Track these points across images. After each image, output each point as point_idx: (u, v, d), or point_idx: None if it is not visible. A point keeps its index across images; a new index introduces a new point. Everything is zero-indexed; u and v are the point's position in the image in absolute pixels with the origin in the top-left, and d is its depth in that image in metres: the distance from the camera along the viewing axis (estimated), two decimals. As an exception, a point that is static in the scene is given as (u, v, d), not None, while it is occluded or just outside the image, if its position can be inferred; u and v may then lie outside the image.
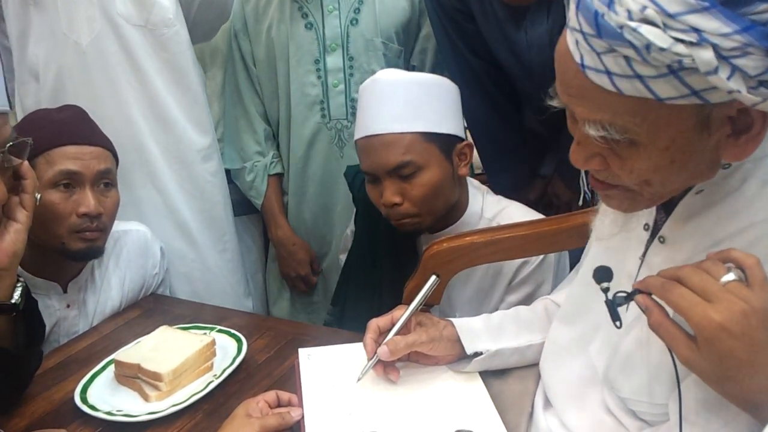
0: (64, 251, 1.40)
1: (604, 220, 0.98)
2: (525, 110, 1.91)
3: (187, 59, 1.74)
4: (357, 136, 1.44)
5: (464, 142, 1.46)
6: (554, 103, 0.79)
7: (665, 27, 0.64)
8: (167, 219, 1.78)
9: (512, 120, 1.90)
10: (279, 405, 1.08)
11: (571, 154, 0.80)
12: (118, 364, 1.24)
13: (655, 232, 0.88)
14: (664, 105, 0.68)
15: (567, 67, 0.74)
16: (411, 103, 1.38)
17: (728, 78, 0.64)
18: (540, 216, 1.44)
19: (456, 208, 1.48)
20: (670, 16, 0.63)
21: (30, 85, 1.71)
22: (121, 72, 1.67)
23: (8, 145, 1.01)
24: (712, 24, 0.62)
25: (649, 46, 0.64)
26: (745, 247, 0.72)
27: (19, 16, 1.67)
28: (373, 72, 1.85)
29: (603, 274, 0.81)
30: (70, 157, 1.39)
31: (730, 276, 0.68)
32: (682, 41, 0.63)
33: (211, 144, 1.83)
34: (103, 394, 1.20)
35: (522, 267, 1.43)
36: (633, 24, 0.64)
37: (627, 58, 0.67)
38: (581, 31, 0.69)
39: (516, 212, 1.48)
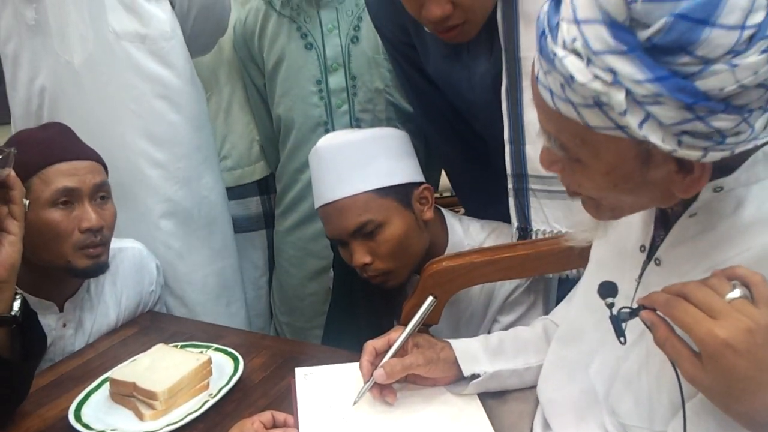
0: (70, 269, 1.39)
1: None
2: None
3: (186, 73, 1.74)
4: (315, 205, 1.44)
5: (422, 186, 1.43)
6: None
7: (588, 62, 0.66)
8: (161, 237, 1.76)
9: (483, 156, 1.65)
10: (275, 426, 1.06)
11: (539, 155, 0.82)
12: (114, 382, 1.23)
13: (651, 253, 0.88)
14: (600, 133, 0.69)
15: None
16: (356, 163, 1.37)
17: (640, 123, 0.66)
18: (534, 236, 1.43)
19: (434, 248, 1.45)
20: (594, 53, 0.65)
21: (25, 105, 1.70)
22: (115, 91, 1.66)
23: None
24: (627, 68, 0.64)
25: (572, 77, 0.66)
26: None
27: (13, 36, 1.67)
28: (377, 90, 1.84)
29: (608, 290, 0.80)
30: (65, 174, 1.37)
31: (736, 293, 0.68)
32: (599, 79, 0.65)
33: (205, 159, 1.81)
34: (98, 413, 1.19)
35: (514, 288, 1.42)
36: (561, 53, 0.67)
37: (561, 83, 0.69)
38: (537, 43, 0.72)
39: (509, 233, 1.45)
